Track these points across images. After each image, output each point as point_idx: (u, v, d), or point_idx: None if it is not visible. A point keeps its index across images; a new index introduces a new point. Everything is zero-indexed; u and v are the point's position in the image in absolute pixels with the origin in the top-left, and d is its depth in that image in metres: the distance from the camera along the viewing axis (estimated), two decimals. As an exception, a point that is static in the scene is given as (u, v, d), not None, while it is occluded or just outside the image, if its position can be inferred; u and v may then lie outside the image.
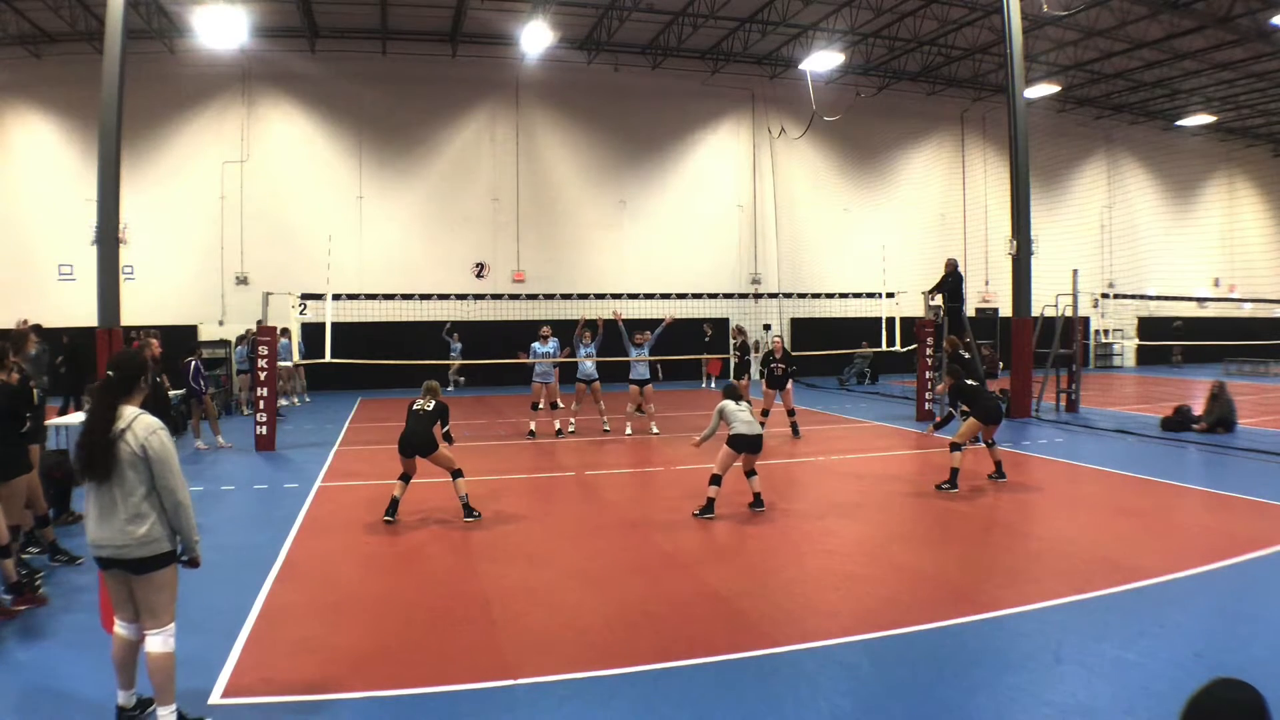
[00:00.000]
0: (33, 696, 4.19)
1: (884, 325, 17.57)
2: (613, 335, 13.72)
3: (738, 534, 7.47)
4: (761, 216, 25.54)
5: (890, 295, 17.30)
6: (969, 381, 9.44)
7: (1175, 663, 4.48)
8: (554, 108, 23.66)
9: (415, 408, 8.04)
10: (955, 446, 9.13)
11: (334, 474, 10.32)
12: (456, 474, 7.98)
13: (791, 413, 13.37)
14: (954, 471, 9.05)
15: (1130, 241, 29.56)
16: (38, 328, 9.46)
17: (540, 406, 13.64)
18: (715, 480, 8.01)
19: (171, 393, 13.00)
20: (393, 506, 7.82)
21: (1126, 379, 25.27)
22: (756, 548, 7.02)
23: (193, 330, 19.80)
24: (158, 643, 3.70)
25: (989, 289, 27.12)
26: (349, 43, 21.67)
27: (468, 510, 7.89)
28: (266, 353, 12.40)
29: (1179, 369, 27.69)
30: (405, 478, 7.96)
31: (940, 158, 27.77)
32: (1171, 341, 28.50)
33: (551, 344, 13.53)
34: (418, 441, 7.83)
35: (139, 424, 3.66)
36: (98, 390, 3.80)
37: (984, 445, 9.66)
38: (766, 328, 24.70)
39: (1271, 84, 25.73)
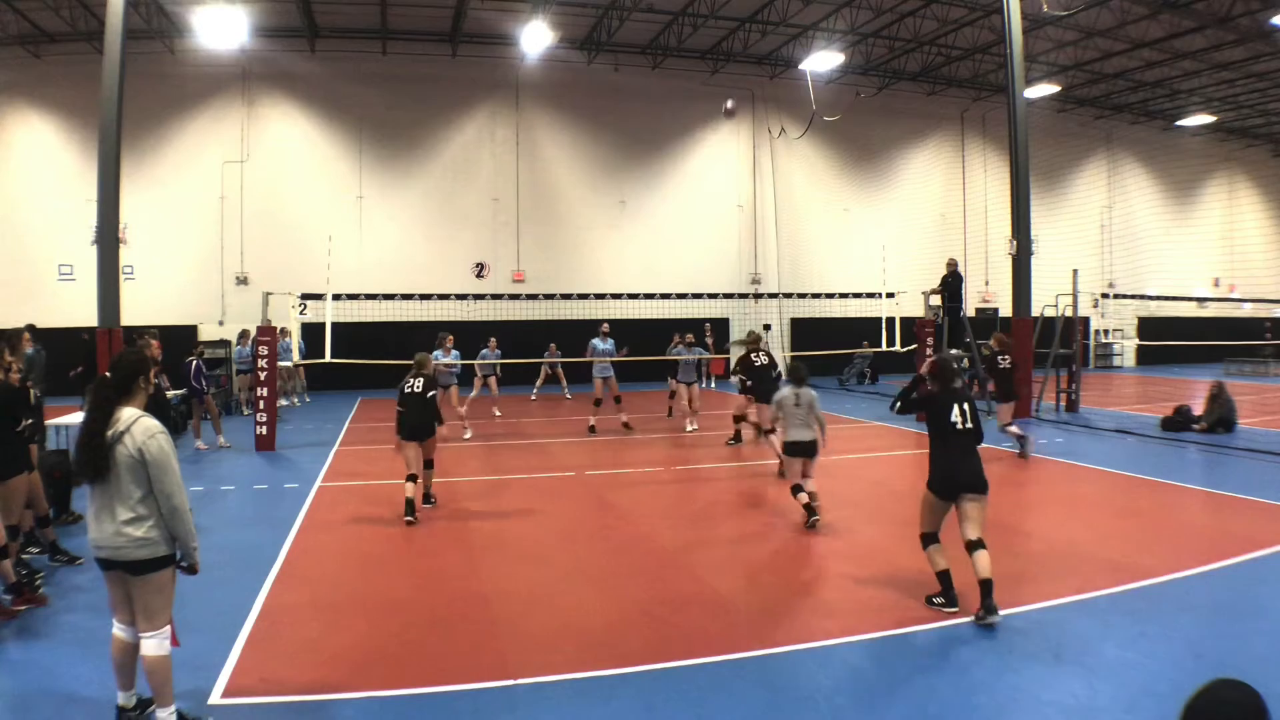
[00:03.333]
0: (33, 696, 4.19)
1: (884, 325, 17.56)
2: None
3: (738, 534, 7.46)
4: (761, 216, 25.54)
5: (890, 295, 17.30)
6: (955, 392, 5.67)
7: (1175, 663, 4.48)
8: (554, 108, 23.65)
9: (407, 390, 8.17)
10: (926, 540, 5.56)
11: (334, 474, 10.32)
12: (429, 464, 8.40)
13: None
14: (942, 577, 5.45)
15: (1130, 241, 29.56)
16: (31, 327, 9.44)
17: (600, 403, 13.94)
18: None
19: (171, 393, 13.01)
20: (409, 507, 7.80)
21: (1126, 379, 25.26)
22: (756, 548, 7.02)
23: (193, 330, 19.79)
24: (153, 645, 3.69)
25: (989, 289, 27.12)
26: (349, 43, 21.66)
27: (428, 497, 8.47)
28: (266, 353, 12.40)
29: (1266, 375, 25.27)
30: (413, 477, 8.02)
31: (940, 158, 27.77)
32: (1266, 342, 27.48)
33: (610, 342, 14.04)
34: (420, 424, 8.08)
35: (138, 427, 3.65)
36: (94, 390, 3.80)
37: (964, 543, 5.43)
38: (767, 328, 24.72)
39: (1271, 84, 25.73)
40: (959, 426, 5.51)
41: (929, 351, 15.06)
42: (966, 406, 5.56)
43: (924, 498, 5.64)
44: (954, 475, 5.48)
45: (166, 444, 3.68)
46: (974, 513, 5.47)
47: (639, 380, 19.80)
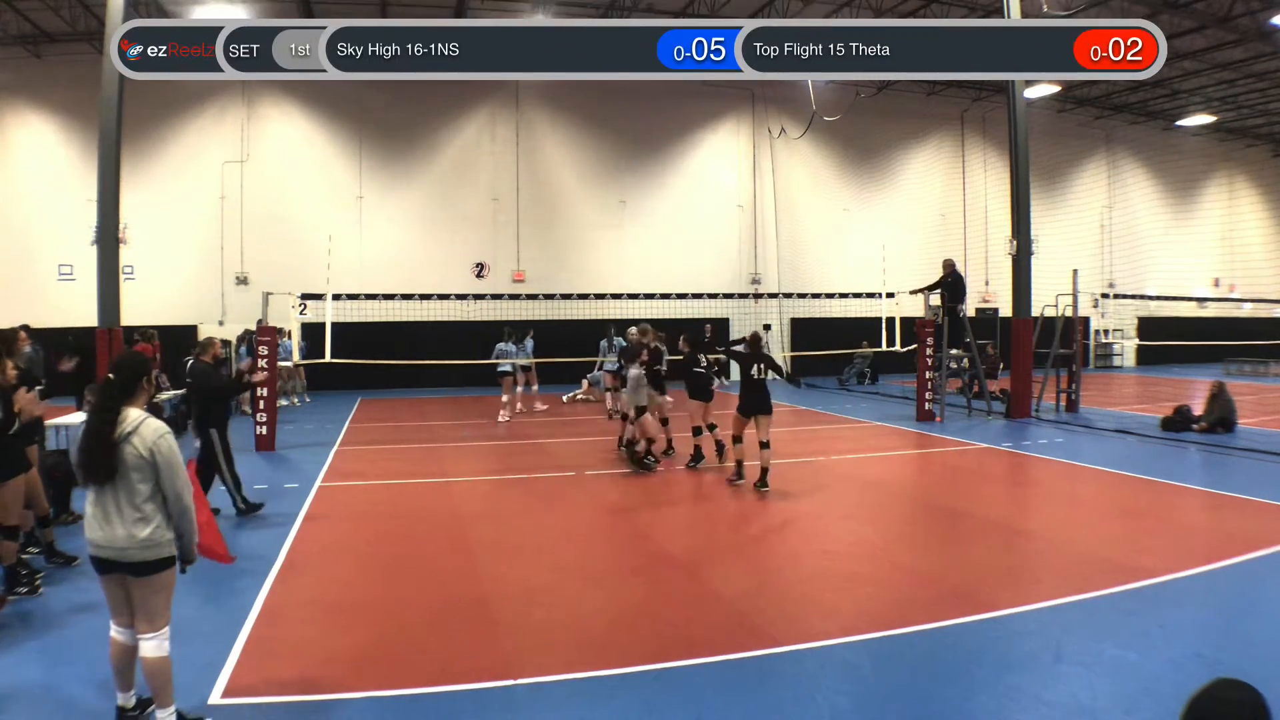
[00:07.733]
0: (33, 696, 4.19)
1: (884, 325, 17.56)
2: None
3: (738, 534, 7.47)
4: (761, 216, 25.53)
5: (890, 295, 17.29)
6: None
7: (1175, 663, 4.48)
8: (554, 108, 23.65)
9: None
10: (734, 439, 9.50)
11: (334, 474, 10.31)
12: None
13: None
14: (739, 465, 9.53)
15: (1130, 241, 29.54)
16: (26, 327, 9.39)
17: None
18: None
19: (171, 393, 13.01)
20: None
21: (1126, 379, 25.27)
22: (756, 548, 7.02)
23: (193, 330, 19.77)
24: (152, 647, 3.69)
25: (989, 289, 27.12)
26: (349, 43, 21.63)
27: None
28: (266, 353, 12.40)
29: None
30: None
31: (940, 158, 27.76)
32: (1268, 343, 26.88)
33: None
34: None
35: (146, 427, 3.66)
36: (99, 392, 3.79)
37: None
38: (767, 328, 24.71)
39: (1271, 84, 25.72)
40: (755, 377, 9.08)
41: (929, 351, 15.06)
42: (762, 364, 9.10)
43: (734, 416, 9.26)
44: (750, 404, 9.07)
45: (175, 444, 3.72)
46: (763, 425, 9.01)
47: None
